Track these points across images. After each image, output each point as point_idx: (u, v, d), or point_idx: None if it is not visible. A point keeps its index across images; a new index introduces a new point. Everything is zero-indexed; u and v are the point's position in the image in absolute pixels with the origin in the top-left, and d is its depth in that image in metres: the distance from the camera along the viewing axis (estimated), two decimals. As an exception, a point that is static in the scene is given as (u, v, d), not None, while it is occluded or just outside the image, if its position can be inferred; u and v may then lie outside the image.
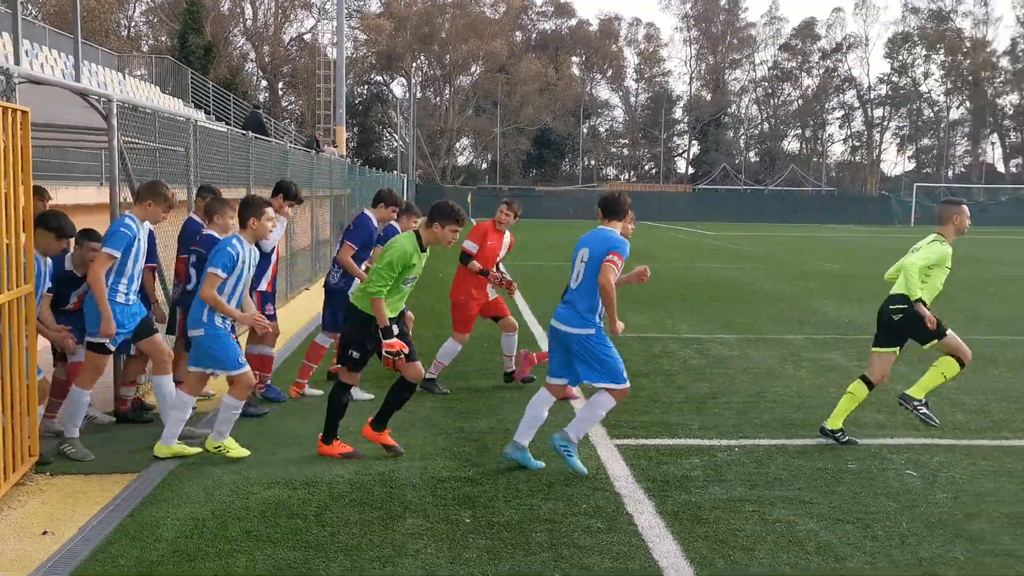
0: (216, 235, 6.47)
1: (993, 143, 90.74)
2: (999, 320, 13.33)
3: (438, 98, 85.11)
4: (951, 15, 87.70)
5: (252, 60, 75.82)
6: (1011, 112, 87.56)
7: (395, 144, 76.86)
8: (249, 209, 6.15)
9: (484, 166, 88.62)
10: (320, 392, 7.77)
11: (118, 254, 5.96)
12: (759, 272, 21.19)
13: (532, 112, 79.22)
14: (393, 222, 8.22)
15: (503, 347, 8.57)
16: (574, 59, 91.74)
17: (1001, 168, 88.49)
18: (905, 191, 66.72)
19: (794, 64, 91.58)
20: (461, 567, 4.41)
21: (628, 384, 5.84)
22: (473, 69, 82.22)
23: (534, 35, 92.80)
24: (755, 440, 6.74)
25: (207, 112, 31.83)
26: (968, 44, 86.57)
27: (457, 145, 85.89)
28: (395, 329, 5.80)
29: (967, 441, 6.78)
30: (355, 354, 6.01)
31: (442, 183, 73.92)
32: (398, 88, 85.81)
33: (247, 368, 6.09)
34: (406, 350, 5.83)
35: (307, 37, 76.58)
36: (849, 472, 5.98)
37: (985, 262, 25.33)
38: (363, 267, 7.87)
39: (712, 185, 73.78)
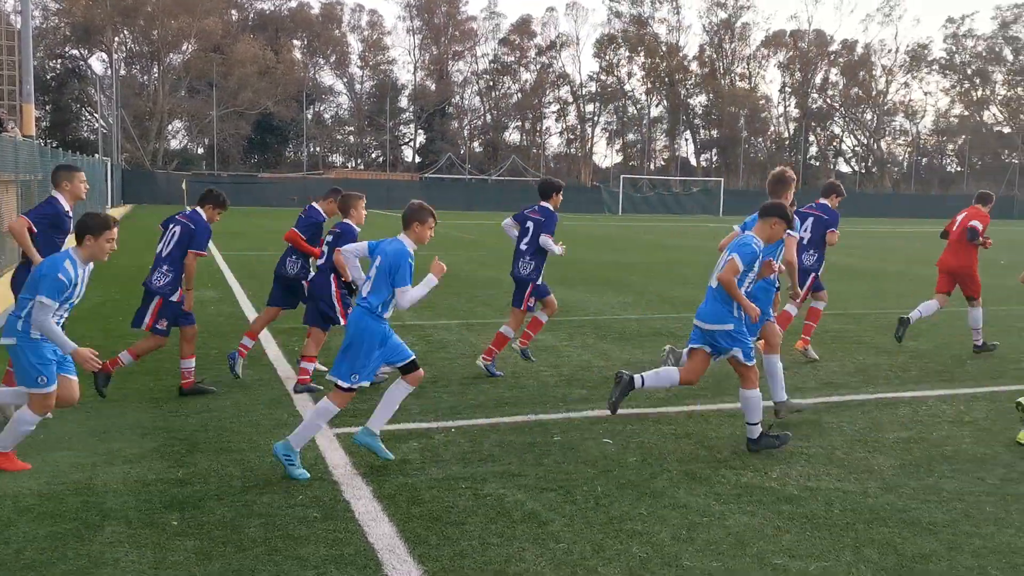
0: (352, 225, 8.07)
1: (687, 139, 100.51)
2: (686, 301, 14.83)
3: (146, 77, 79.02)
4: (649, 20, 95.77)
5: (-83, 24, 66.19)
6: (700, 112, 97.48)
7: (96, 125, 70.47)
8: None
9: (200, 151, 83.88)
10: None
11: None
12: (482, 259, 21.95)
13: (252, 96, 75.91)
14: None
15: (970, 321, 9.98)
16: (296, 43, 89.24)
17: (693, 162, 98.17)
18: (614, 182, 72.10)
19: (513, 59, 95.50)
20: (167, 571, 4.21)
21: None
22: (185, 47, 77.12)
23: (251, 15, 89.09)
24: (471, 420, 7.02)
25: None
26: (664, 48, 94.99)
27: (169, 128, 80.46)
28: None
29: (657, 409, 7.50)
30: None
31: (153, 168, 69.01)
32: (98, 64, 78.82)
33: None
34: None
35: (-13, 2, 68.14)
36: (555, 444, 6.41)
37: (672, 248, 28.03)
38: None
39: (439, 174, 75.14)
